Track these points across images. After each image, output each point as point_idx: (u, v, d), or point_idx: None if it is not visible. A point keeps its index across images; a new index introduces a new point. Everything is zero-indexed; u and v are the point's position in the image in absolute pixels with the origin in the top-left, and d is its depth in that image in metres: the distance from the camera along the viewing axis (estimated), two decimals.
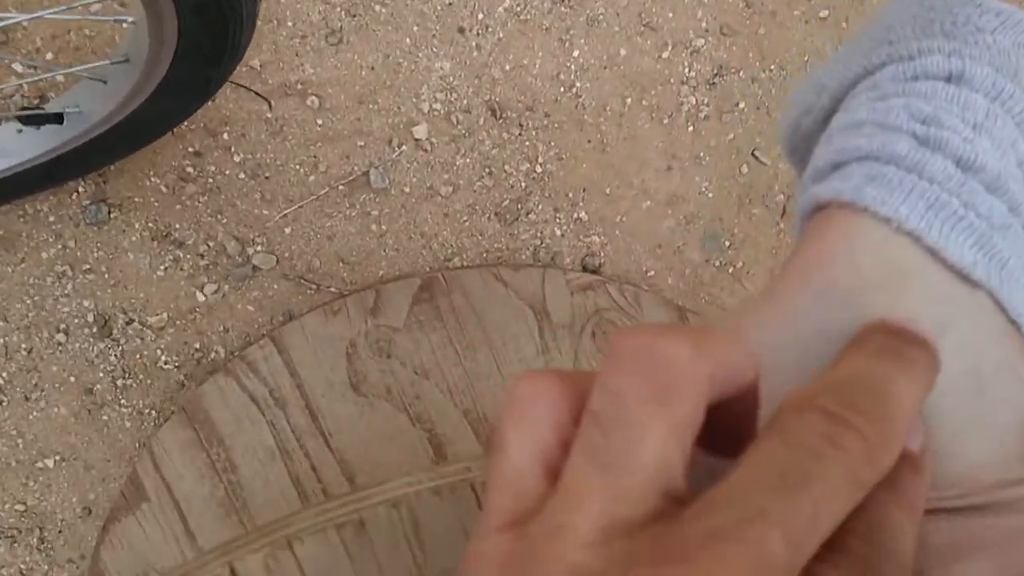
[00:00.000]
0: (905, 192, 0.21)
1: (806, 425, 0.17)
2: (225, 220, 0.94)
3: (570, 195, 1.01)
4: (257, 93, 0.91)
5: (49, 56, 0.91)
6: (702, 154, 1.03)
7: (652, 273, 1.07)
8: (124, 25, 0.67)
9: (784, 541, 0.15)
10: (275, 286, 0.95)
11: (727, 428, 0.19)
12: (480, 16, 0.95)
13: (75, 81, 0.84)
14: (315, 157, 0.93)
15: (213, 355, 0.97)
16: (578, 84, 0.97)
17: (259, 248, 0.94)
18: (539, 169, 0.98)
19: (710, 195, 1.05)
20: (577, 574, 0.15)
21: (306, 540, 0.95)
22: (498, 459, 0.18)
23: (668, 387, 0.17)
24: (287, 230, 0.94)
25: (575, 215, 1.02)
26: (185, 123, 0.89)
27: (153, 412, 0.96)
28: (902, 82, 0.24)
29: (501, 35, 0.93)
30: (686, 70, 1.00)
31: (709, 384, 0.17)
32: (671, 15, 1.00)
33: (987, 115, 0.23)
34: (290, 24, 0.91)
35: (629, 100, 0.98)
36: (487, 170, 0.97)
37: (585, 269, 1.06)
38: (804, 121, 0.29)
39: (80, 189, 0.93)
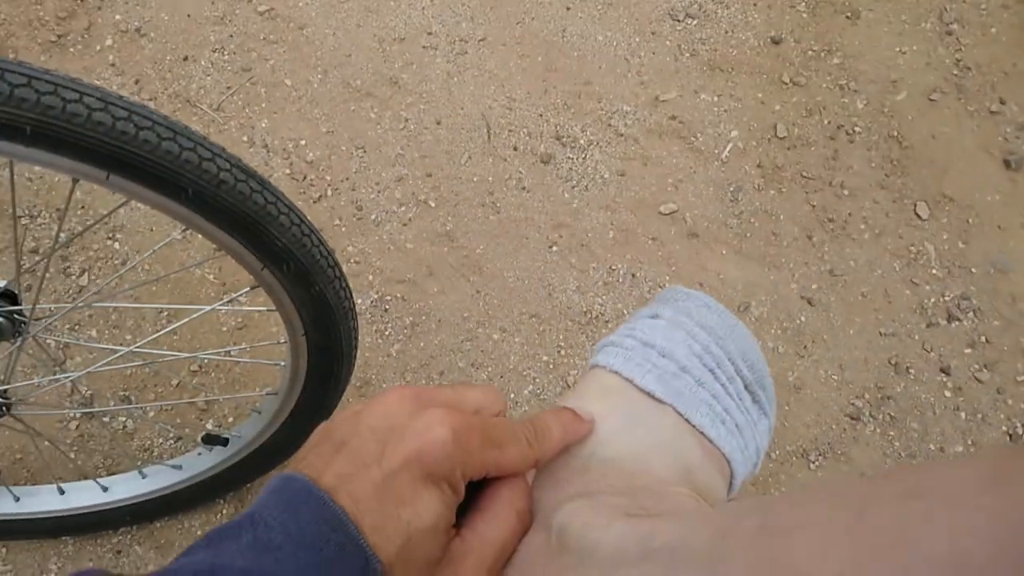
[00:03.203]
0: (614, 354, 0.40)
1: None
2: None
3: None
4: None
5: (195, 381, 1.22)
6: None
7: None
8: (278, 367, 0.94)
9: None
10: None
11: None
12: None
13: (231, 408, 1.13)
14: None
15: None
16: None
17: None
18: None
19: None
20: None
21: None
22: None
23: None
24: None
25: None
26: None
27: None
28: (632, 320, 0.48)
29: None
30: None
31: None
32: None
33: (665, 327, 0.43)
34: None
35: None
36: None
37: None
38: None
39: (223, 509, 1.18)
